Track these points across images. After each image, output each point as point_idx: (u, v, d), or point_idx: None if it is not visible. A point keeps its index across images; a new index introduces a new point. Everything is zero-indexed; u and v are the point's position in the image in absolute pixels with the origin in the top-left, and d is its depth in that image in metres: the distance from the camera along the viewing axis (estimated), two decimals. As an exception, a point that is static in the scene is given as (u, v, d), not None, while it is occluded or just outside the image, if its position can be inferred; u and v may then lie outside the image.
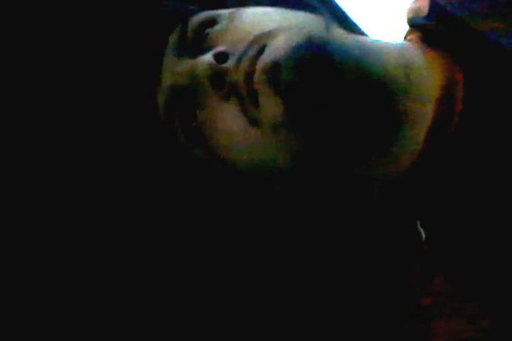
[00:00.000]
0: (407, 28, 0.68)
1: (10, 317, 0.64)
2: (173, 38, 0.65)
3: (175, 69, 0.63)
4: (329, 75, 0.57)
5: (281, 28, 0.60)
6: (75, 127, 0.66)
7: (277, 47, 0.57)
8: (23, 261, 0.65)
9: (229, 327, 0.68)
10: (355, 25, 0.75)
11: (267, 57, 0.57)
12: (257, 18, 0.62)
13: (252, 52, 0.58)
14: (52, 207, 0.66)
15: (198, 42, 0.64)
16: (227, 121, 0.60)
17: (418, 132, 0.62)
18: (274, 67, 0.57)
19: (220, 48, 0.60)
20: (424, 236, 0.65)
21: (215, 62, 0.59)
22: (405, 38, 0.69)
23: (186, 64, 0.62)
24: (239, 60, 0.58)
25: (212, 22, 0.64)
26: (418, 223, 0.66)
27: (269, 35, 0.59)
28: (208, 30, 0.64)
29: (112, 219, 0.67)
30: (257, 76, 0.57)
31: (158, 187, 0.67)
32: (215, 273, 0.68)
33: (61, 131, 0.66)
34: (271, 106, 0.57)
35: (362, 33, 0.75)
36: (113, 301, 0.66)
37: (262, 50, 0.58)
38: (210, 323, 0.68)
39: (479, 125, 0.61)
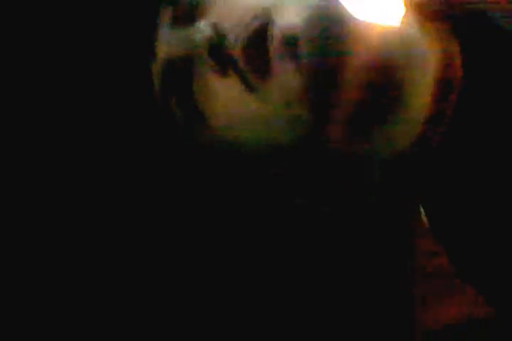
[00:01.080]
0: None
1: (10, 317, 0.64)
2: (165, 8, 0.64)
3: (170, 40, 0.62)
4: (344, 48, 0.56)
5: (288, 2, 0.58)
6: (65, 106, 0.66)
7: (292, 17, 0.56)
8: (23, 261, 0.65)
9: (228, 325, 0.68)
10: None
11: (283, 25, 0.56)
12: None
13: (255, 25, 0.57)
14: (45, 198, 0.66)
15: (192, 11, 0.62)
16: (226, 95, 0.59)
17: (419, 107, 0.60)
18: (293, 35, 0.55)
19: (215, 20, 0.59)
20: (424, 214, 0.64)
21: (212, 34, 0.58)
22: (404, 16, 0.66)
23: (181, 34, 0.61)
24: (238, 36, 0.57)
25: None
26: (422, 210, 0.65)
27: (274, 8, 0.58)
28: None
29: (107, 211, 0.66)
30: (273, 49, 0.56)
31: (154, 173, 0.67)
32: (213, 266, 0.67)
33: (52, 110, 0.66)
34: (286, 79, 0.56)
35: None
36: (113, 300, 0.66)
37: (269, 22, 0.56)
38: (210, 322, 0.67)
39: (478, 100, 0.60)
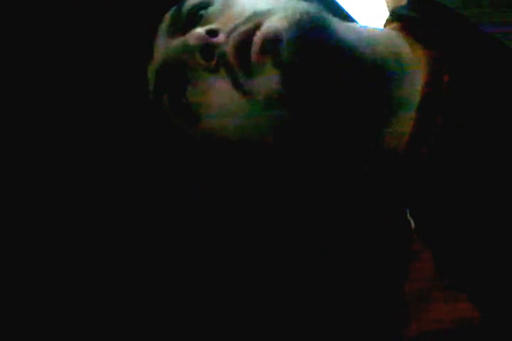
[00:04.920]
0: (386, 15, 0.67)
1: (10, 317, 0.65)
2: (167, 17, 0.67)
3: (167, 45, 0.65)
4: (328, 53, 0.58)
5: (276, 8, 0.61)
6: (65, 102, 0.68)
7: (278, 21, 0.58)
8: (23, 261, 0.66)
9: (223, 323, 0.69)
10: (345, 13, 0.74)
11: (267, 29, 0.58)
12: (249, 1, 0.63)
13: (244, 28, 0.59)
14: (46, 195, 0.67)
15: (191, 22, 0.65)
16: (217, 92, 0.61)
17: (406, 116, 0.62)
18: (276, 38, 0.57)
19: (211, 26, 0.62)
20: (413, 224, 0.65)
21: (206, 35, 0.60)
22: (386, 25, 0.68)
23: (178, 41, 0.64)
24: (229, 34, 0.60)
25: (207, 4, 0.65)
26: (408, 212, 0.65)
27: (264, 14, 0.60)
28: (202, 11, 0.65)
29: (100, 206, 0.67)
30: (256, 46, 0.58)
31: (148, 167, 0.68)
32: (210, 266, 0.69)
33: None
34: (267, 78, 0.58)
35: (352, 21, 0.75)
36: (112, 300, 0.67)
37: (257, 26, 0.59)
38: (208, 321, 0.68)
39: (465, 111, 0.61)
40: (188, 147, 0.67)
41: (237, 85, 0.60)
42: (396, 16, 0.67)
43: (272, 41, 0.57)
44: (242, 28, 0.59)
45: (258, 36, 0.58)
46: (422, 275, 0.64)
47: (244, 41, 0.59)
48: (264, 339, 0.69)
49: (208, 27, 0.61)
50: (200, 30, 0.61)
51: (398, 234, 0.67)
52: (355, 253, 0.69)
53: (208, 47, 0.60)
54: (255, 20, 0.59)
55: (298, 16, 0.59)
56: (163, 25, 0.66)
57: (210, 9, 0.65)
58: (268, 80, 0.58)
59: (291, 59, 0.57)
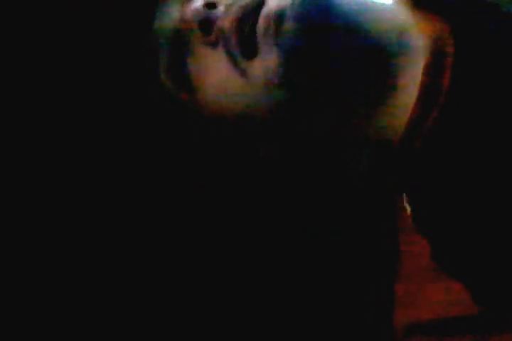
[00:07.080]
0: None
1: (10, 317, 0.65)
2: None
3: (169, 13, 0.63)
4: (333, 33, 0.57)
5: None
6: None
7: None
8: (23, 261, 0.65)
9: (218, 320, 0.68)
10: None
11: (271, 5, 0.56)
12: None
13: (245, 0, 0.58)
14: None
15: None
16: (214, 69, 0.60)
17: (408, 96, 0.61)
18: (279, 15, 0.56)
19: None
20: (409, 211, 0.64)
21: (205, 8, 0.59)
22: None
23: (177, 11, 0.62)
24: (229, 7, 0.58)
25: None
26: (404, 197, 0.64)
27: None
28: None
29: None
30: (259, 24, 0.56)
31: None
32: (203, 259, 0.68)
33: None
34: (267, 58, 0.57)
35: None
36: (112, 300, 0.66)
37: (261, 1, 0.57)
38: (203, 319, 0.68)
39: (469, 91, 0.60)
40: (183, 118, 0.65)
41: (234, 64, 0.58)
42: None
43: (275, 20, 0.56)
44: (242, 1, 0.58)
45: (263, 15, 0.56)
46: (418, 259, 0.64)
47: (245, 16, 0.57)
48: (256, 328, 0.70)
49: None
50: (197, 3, 0.59)
51: (393, 219, 0.66)
52: (345, 241, 0.68)
53: (206, 21, 0.59)
54: None
55: None
56: None
57: None
58: (268, 60, 0.57)
59: (294, 39, 0.56)
